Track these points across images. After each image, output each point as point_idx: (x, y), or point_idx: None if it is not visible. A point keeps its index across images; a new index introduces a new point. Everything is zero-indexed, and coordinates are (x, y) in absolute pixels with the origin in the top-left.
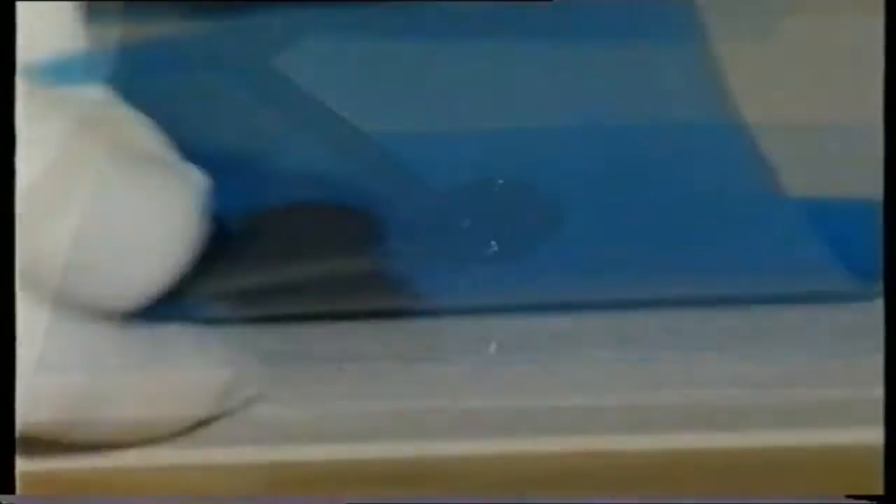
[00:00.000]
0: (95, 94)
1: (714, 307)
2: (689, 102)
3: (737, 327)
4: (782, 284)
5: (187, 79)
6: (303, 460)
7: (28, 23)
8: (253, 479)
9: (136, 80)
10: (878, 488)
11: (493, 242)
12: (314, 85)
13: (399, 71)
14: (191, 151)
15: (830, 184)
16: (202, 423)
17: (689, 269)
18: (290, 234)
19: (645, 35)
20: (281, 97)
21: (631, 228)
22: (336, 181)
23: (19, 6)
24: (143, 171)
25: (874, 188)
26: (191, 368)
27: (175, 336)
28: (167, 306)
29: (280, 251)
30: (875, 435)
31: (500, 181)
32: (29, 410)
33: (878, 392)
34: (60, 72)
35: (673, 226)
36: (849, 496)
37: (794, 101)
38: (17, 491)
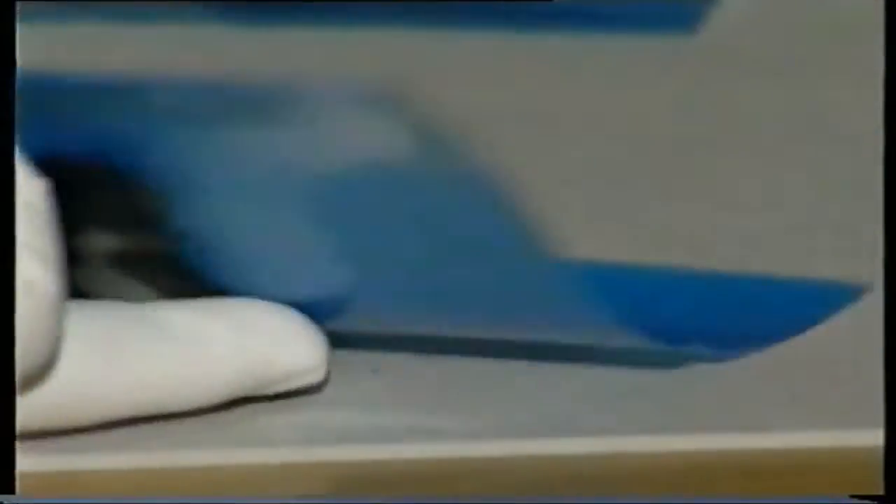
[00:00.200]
0: None
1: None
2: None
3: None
4: (553, 339)
5: None
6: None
7: None
8: (252, 480)
9: None
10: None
11: None
12: None
13: None
14: None
15: (626, 251)
16: None
17: (447, 312)
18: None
19: None
20: None
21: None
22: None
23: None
24: None
25: (686, 257)
26: None
27: None
28: None
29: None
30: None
31: None
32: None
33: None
34: None
35: (431, 269)
36: (851, 496)
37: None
38: (17, 491)
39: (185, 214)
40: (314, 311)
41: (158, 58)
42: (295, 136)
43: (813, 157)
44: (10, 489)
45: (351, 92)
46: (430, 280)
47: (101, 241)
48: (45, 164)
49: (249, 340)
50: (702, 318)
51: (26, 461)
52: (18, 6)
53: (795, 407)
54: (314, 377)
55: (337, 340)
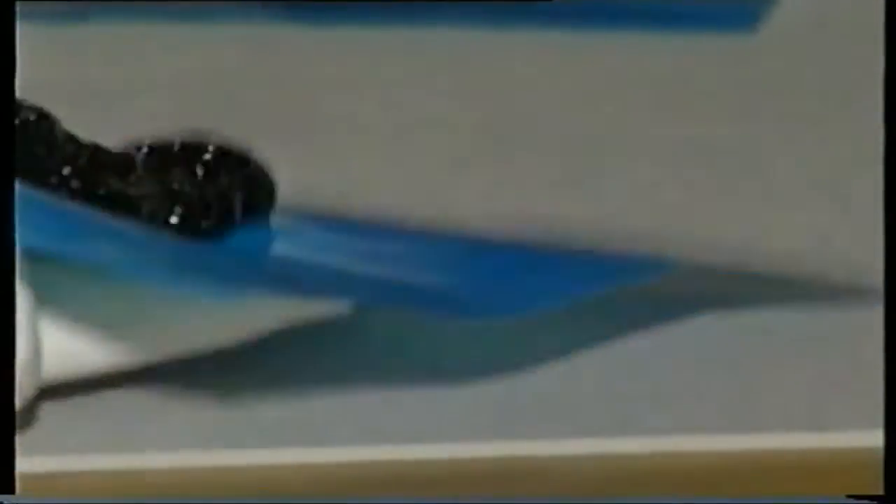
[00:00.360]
0: None
1: None
2: None
3: None
4: None
5: None
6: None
7: None
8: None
9: None
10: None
11: None
12: None
13: None
14: None
15: None
16: None
17: None
18: None
19: None
20: None
21: None
22: None
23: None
24: None
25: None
26: None
27: None
28: None
29: None
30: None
31: None
32: None
33: None
34: None
35: None
36: (849, 496)
37: None
38: (17, 491)
39: None
40: None
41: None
42: None
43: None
44: (10, 489)
45: None
46: None
47: None
48: None
49: None
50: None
51: (26, 462)
52: (18, 6)
53: (795, 408)
54: None
55: None
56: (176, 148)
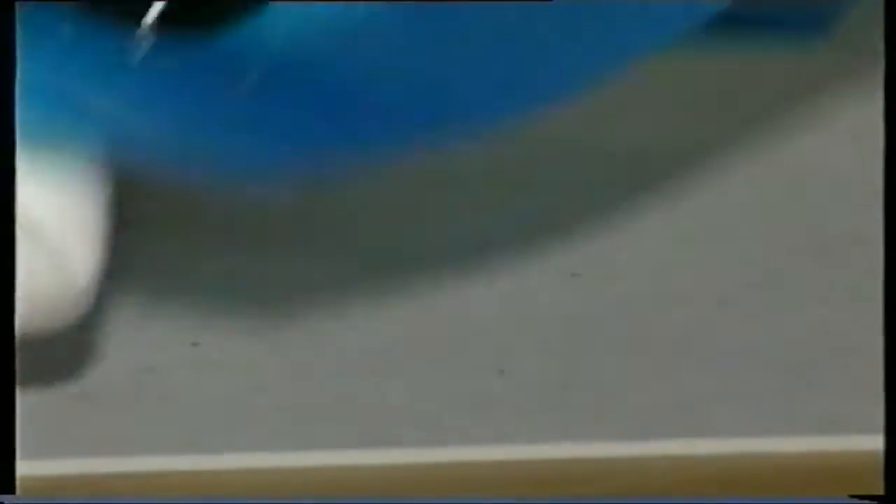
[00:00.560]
0: None
1: None
2: None
3: None
4: None
5: None
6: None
7: None
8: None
9: None
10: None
11: None
12: None
13: None
14: None
15: None
16: None
17: None
18: None
19: None
20: None
21: None
22: None
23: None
24: None
25: None
26: None
27: None
28: None
29: None
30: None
31: None
32: None
33: None
34: None
35: None
36: (851, 497)
37: None
38: (18, 492)
39: None
40: None
41: None
42: None
43: None
44: (10, 489)
45: None
46: None
47: None
48: None
49: None
50: None
51: (26, 464)
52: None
53: (795, 408)
54: None
55: None
56: None
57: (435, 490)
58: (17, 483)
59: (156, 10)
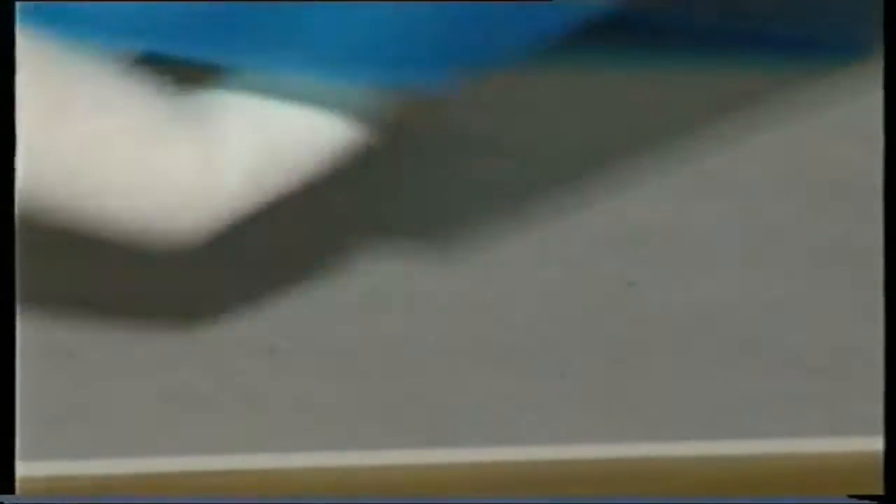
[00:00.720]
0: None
1: None
2: None
3: None
4: None
5: None
6: None
7: None
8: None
9: None
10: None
11: None
12: None
13: None
14: None
15: None
16: None
17: None
18: None
19: None
20: None
21: None
22: None
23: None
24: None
25: None
26: None
27: None
28: None
29: None
30: None
31: None
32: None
33: None
34: None
35: None
36: (851, 496)
37: None
38: (17, 492)
39: None
40: None
41: None
42: None
43: None
44: (10, 489)
45: None
46: None
47: None
48: None
49: None
50: None
51: (26, 466)
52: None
53: (795, 409)
54: None
55: None
56: None
57: (491, 490)
58: (17, 483)
59: None
